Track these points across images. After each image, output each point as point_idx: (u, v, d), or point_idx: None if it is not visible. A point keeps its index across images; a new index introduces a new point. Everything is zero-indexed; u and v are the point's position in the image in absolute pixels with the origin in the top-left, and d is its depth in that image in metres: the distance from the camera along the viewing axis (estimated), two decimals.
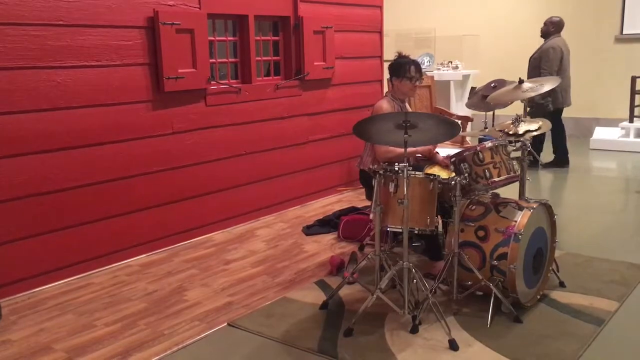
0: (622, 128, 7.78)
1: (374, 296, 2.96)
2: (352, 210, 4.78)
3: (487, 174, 3.19)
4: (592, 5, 8.44)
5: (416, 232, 3.08)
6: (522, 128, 3.34)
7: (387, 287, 3.09)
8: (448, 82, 8.54)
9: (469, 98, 5.93)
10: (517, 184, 3.47)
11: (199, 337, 2.97)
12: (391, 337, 2.91)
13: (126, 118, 3.95)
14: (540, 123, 3.39)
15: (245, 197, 4.81)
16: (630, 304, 3.26)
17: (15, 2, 3.36)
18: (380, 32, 6.04)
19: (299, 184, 5.29)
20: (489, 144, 3.23)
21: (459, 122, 3.15)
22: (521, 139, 3.35)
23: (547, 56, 6.37)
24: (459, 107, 8.31)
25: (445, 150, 3.92)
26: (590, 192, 5.68)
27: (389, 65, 3.87)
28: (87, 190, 3.78)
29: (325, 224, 4.65)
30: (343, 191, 5.69)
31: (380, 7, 6.00)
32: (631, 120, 7.75)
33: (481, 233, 3.16)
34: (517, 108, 5.88)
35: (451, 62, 8.92)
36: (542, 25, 6.68)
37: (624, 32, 8.29)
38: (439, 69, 8.90)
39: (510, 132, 3.34)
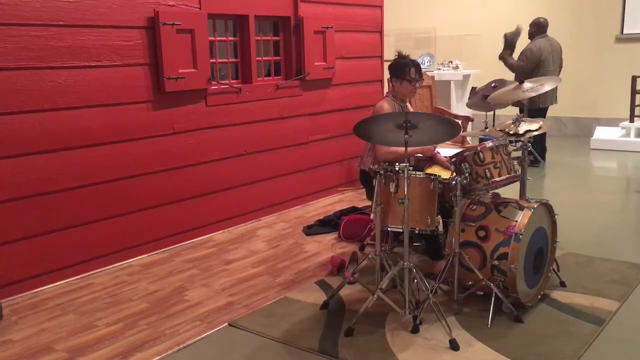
0: (623, 128, 7.78)
1: (375, 296, 2.96)
2: (353, 210, 4.78)
3: (488, 174, 3.19)
4: (593, 5, 8.44)
5: (417, 232, 3.08)
6: (522, 128, 3.34)
7: (387, 287, 3.08)
8: (448, 82, 8.54)
9: (469, 98, 5.92)
10: (517, 184, 3.47)
11: (199, 337, 2.97)
12: (392, 337, 2.91)
13: (127, 118, 3.95)
14: (541, 123, 3.39)
15: (246, 197, 4.81)
16: (630, 303, 3.26)
17: (16, 3, 3.36)
18: (381, 32, 6.04)
19: (299, 184, 5.29)
20: (489, 143, 3.23)
21: (460, 122, 3.15)
22: (522, 139, 3.35)
23: (522, 56, 6.64)
24: (459, 107, 8.30)
25: (446, 150, 3.92)
26: (591, 192, 5.68)
27: (389, 65, 3.87)
28: (88, 190, 3.79)
29: (326, 224, 4.65)
30: (344, 191, 5.70)
31: (381, 7, 6.00)
32: (632, 120, 7.75)
33: (482, 233, 3.16)
34: (515, 108, 5.90)
35: (451, 62, 8.91)
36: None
37: (625, 32, 8.29)
38: (439, 68, 8.89)
39: (511, 132, 3.34)
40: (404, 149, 2.94)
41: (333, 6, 5.40)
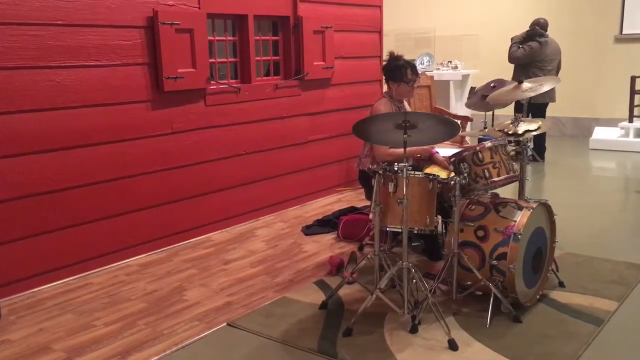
0: (622, 128, 7.79)
1: (374, 296, 2.96)
2: (352, 210, 4.78)
3: (487, 174, 3.19)
4: (592, 5, 8.44)
5: (415, 232, 3.08)
6: (521, 128, 3.34)
7: (386, 287, 3.09)
8: (448, 82, 8.54)
9: (468, 98, 5.94)
10: (516, 184, 3.47)
11: (198, 337, 2.97)
12: (390, 337, 2.91)
13: (125, 118, 3.95)
14: (540, 123, 3.39)
15: (244, 197, 4.81)
16: (629, 303, 3.26)
17: (14, 2, 3.35)
18: (380, 32, 6.04)
19: (298, 184, 5.29)
20: (488, 143, 3.23)
21: (459, 122, 3.15)
22: (521, 139, 3.35)
23: (527, 47, 6.70)
24: (458, 107, 8.31)
25: (444, 150, 3.92)
26: (590, 192, 5.68)
27: (384, 68, 3.85)
28: (86, 190, 3.78)
29: (325, 224, 4.65)
30: (342, 191, 5.69)
31: (380, 7, 6.00)
32: (630, 120, 7.75)
33: (481, 233, 3.16)
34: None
35: (451, 62, 8.92)
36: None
37: (624, 32, 8.29)
38: (438, 68, 8.90)
39: (510, 132, 3.34)
40: (402, 149, 2.93)
41: (332, 6, 5.40)
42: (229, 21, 4.71)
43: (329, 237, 4.45)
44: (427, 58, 9.01)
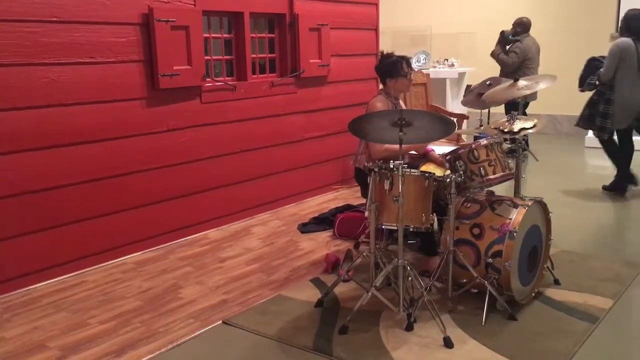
0: None
1: (369, 294, 2.96)
2: (348, 207, 4.77)
3: (482, 172, 3.20)
4: (588, 4, 8.45)
5: (411, 229, 3.08)
6: (517, 126, 3.34)
7: (382, 284, 3.09)
8: (444, 79, 8.52)
9: (464, 96, 5.94)
10: (512, 182, 3.47)
11: (193, 335, 2.96)
12: (386, 334, 2.91)
13: (121, 115, 3.93)
14: (536, 120, 3.39)
15: (240, 195, 4.80)
16: (624, 301, 3.27)
17: None
18: (376, 30, 6.03)
19: (294, 182, 5.28)
20: (484, 141, 3.23)
21: (455, 119, 3.15)
22: (516, 137, 3.35)
23: (512, 52, 6.89)
24: (454, 104, 8.30)
25: (440, 148, 3.92)
26: (586, 190, 5.69)
27: (378, 67, 3.85)
28: (81, 187, 3.77)
29: (321, 222, 4.65)
30: (338, 189, 5.69)
31: (376, 5, 5.99)
32: None
33: (476, 231, 3.16)
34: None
35: (447, 60, 8.90)
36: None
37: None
38: (434, 66, 8.88)
39: (506, 130, 3.34)
40: (398, 146, 2.93)
41: (328, 3, 5.39)
42: (224, 18, 4.69)
43: (324, 235, 4.45)
44: (424, 56, 8.99)
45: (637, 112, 5.16)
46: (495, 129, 3.41)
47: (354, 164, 3.91)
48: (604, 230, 4.50)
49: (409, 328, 2.93)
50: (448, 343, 2.79)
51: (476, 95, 4.53)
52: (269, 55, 5.08)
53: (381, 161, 3.13)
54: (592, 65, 5.54)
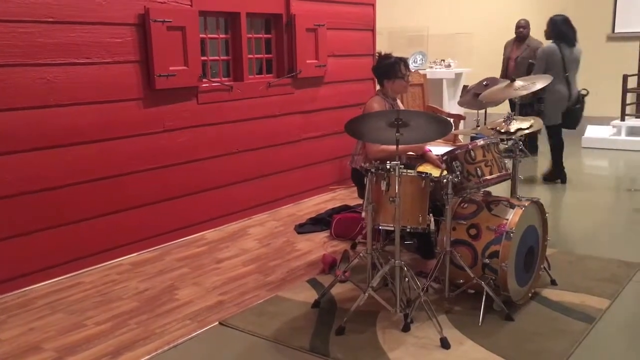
0: (614, 126, 7.82)
1: (366, 294, 2.96)
2: (345, 208, 4.77)
3: (479, 172, 3.20)
4: (584, 3, 8.46)
5: (408, 230, 3.08)
6: (513, 126, 3.34)
7: (379, 285, 3.08)
8: (441, 80, 8.53)
9: (461, 96, 5.94)
10: (508, 182, 3.47)
11: (190, 336, 2.95)
12: (383, 335, 2.91)
13: (117, 116, 3.92)
14: (532, 121, 3.40)
15: (237, 196, 4.80)
16: (621, 301, 3.27)
17: None
18: (373, 30, 6.04)
19: (291, 182, 5.28)
20: (480, 142, 3.23)
21: (451, 120, 3.15)
22: (513, 137, 3.35)
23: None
24: (451, 105, 8.31)
25: (437, 149, 3.92)
26: (582, 190, 5.70)
27: (376, 68, 3.86)
28: (77, 188, 3.76)
29: (318, 222, 4.65)
30: (335, 189, 5.69)
31: (373, 5, 6.00)
32: (622, 119, 7.78)
33: (473, 231, 3.16)
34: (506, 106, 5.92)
35: (444, 61, 8.91)
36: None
37: (616, 31, 8.32)
38: (431, 67, 8.89)
39: (502, 130, 3.34)
40: (395, 147, 2.93)
41: (325, 4, 5.39)
42: (221, 19, 4.69)
43: (321, 236, 4.44)
44: (420, 56, 9.00)
45: (565, 108, 5.74)
46: (492, 129, 3.41)
47: (350, 165, 3.91)
48: (600, 231, 4.51)
49: (406, 329, 2.93)
50: (445, 344, 2.79)
51: (473, 96, 4.53)
52: (266, 55, 5.08)
53: (378, 162, 3.12)
54: (529, 68, 6.32)
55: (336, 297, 3.33)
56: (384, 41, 8.24)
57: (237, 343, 2.91)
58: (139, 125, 4.05)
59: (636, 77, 8.19)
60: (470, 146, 3.22)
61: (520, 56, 6.96)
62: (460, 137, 5.34)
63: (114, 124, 3.91)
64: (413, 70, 6.06)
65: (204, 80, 4.43)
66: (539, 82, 3.67)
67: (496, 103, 4.45)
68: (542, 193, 5.60)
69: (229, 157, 4.70)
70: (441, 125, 2.96)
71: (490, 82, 4.51)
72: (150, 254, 4.12)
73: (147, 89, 4.06)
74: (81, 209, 3.79)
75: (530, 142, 6.94)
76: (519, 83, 3.63)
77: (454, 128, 3.21)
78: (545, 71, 5.57)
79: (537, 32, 7.28)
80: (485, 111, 6.07)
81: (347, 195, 5.44)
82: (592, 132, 7.89)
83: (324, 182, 5.64)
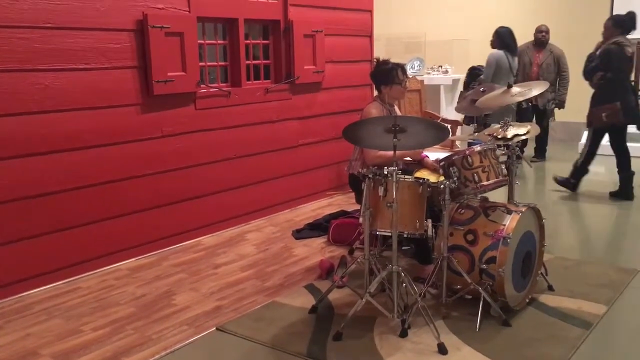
0: None
1: (363, 300, 2.96)
2: (342, 214, 4.78)
3: (476, 178, 3.21)
4: (581, 10, 8.50)
5: (405, 235, 3.08)
6: (510, 132, 3.35)
7: (376, 291, 3.08)
8: (438, 86, 8.57)
9: (458, 102, 5.96)
10: (506, 188, 3.48)
11: (187, 342, 2.95)
12: (380, 341, 2.91)
13: (115, 121, 3.93)
14: (529, 127, 3.41)
15: (235, 201, 4.80)
16: (618, 307, 3.28)
17: (2, 4, 3.33)
18: (371, 37, 6.05)
19: (289, 188, 5.28)
20: (477, 148, 3.24)
21: (449, 126, 3.16)
22: (510, 143, 3.36)
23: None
24: (449, 111, 8.34)
25: (434, 154, 3.93)
26: (579, 196, 5.71)
27: (373, 74, 3.87)
28: (75, 193, 3.76)
29: (315, 228, 4.65)
30: (333, 195, 5.69)
31: (371, 12, 6.02)
32: None
33: (470, 237, 3.17)
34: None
35: (441, 67, 8.95)
36: (534, 31, 7.22)
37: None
38: (429, 73, 8.93)
39: (499, 136, 3.35)
40: (392, 152, 2.94)
41: (323, 10, 5.40)
42: (219, 25, 4.70)
43: (319, 241, 4.44)
44: (418, 62, 9.04)
45: (511, 110, 6.04)
46: (489, 135, 3.42)
47: (348, 170, 3.91)
48: (597, 237, 4.52)
49: (403, 334, 2.93)
50: (442, 349, 2.79)
51: (470, 102, 4.55)
52: (264, 61, 5.09)
53: (375, 167, 3.13)
54: (474, 73, 6.80)
55: (334, 302, 3.33)
56: (382, 47, 8.27)
57: (234, 349, 2.90)
58: (136, 131, 4.05)
59: (632, 83, 8.21)
60: (467, 152, 3.23)
61: (544, 62, 7.10)
62: (458, 143, 5.36)
63: (112, 129, 3.91)
64: (410, 77, 6.08)
65: (202, 85, 4.44)
66: (536, 89, 3.68)
67: (493, 109, 4.47)
68: (539, 198, 5.61)
69: (226, 163, 4.70)
70: (438, 132, 2.97)
71: (487, 88, 4.52)
72: (148, 259, 4.11)
73: (145, 94, 4.07)
74: (79, 215, 3.78)
75: (539, 145, 7.40)
76: (515, 89, 3.64)
77: (450, 134, 3.22)
78: (494, 76, 6.10)
79: (531, 38, 7.34)
80: (483, 117, 6.08)
81: (344, 201, 5.44)
82: None
83: (322, 188, 5.64)
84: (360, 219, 3.10)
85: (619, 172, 5.59)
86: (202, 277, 3.78)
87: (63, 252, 3.72)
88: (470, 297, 3.21)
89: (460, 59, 9.16)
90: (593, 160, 5.70)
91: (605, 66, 5.50)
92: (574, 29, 8.49)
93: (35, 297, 3.51)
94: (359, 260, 3.18)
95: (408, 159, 3.84)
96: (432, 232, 3.70)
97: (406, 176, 3.08)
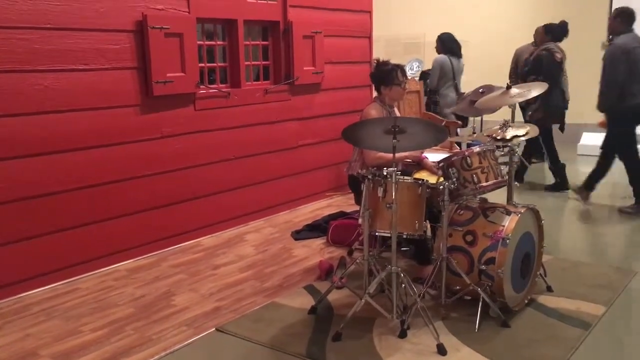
0: None
1: (363, 301, 2.96)
2: (341, 215, 4.78)
3: (475, 179, 3.21)
4: (579, 12, 8.51)
5: (405, 236, 3.09)
6: (509, 133, 3.36)
7: (375, 291, 3.09)
8: None
9: (457, 103, 5.96)
10: (505, 189, 3.49)
11: (186, 343, 2.95)
12: (379, 341, 2.91)
13: (115, 122, 3.93)
14: (528, 128, 3.41)
15: (234, 202, 4.80)
16: (616, 308, 3.28)
17: (1, 5, 3.33)
18: (370, 38, 6.06)
19: (288, 189, 5.28)
20: (477, 149, 3.25)
21: (448, 127, 3.17)
22: (509, 144, 3.37)
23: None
24: (447, 112, 8.33)
25: (433, 155, 3.94)
26: (578, 198, 5.71)
27: (373, 75, 3.88)
28: (74, 194, 3.76)
29: (315, 229, 4.65)
30: (332, 196, 5.69)
31: (370, 13, 6.02)
32: None
33: (469, 238, 3.17)
34: (505, 113, 5.94)
35: None
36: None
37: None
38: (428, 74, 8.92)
39: (498, 137, 3.36)
40: (392, 154, 2.94)
41: (322, 11, 5.41)
42: (218, 26, 4.70)
43: (318, 242, 4.45)
44: (417, 63, 9.05)
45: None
46: (488, 136, 3.42)
47: (347, 171, 3.92)
48: (596, 238, 4.52)
49: (403, 335, 2.93)
50: (441, 350, 2.79)
51: (469, 103, 4.55)
52: (263, 62, 5.09)
53: (375, 168, 3.14)
54: (424, 77, 7.23)
55: (333, 303, 3.33)
56: (381, 48, 8.28)
57: (233, 349, 2.91)
58: (136, 132, 4.06)
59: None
60: (466, 153, 3.24)
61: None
62: (457, 144, 5.36)
63: (111, 130, 3.91)
64: (410, 78, 6.09)
65: (202, 86, 4.44)
66: (535, 90, 3.69)
67: (492, 110, 4.47)
68: (538, 200, 5.62)
69: (226, 164, 4.71)
70: (437, 133, 2.97)
71: (486, 89, 4.52)
72: (147, 260, 4.11)
73: (144, 95, 4.07)
74: (78, 215, 3.78)
75: (546, 146, 7.20)
76: (514, 90, 3.65)
77: (450, 135, 3.22)
78: (439, 79, 6.55)
79: (530, 41, 7.34)
80: (482, 118, 6.10)
81: (343, 202, 5.45)
82: (588, 139, 7.92)
83: (321, 189, 5.65)
84: (360, 220, 3.10)
85: (550, 167, 6.15)
86: (202, 278, 3.78)
87: (62, 253, 3.72)
88: (469, 297, 3.21)
89: None
90: (557, 154, 6.10)
91: (537, 70, 5.92)
92: (573, 29, 8.50)
93: (34, 298, 3.50)
94: (358, 261, 3.18)
95: (407, 160, 3.84)
96: (431, 233, 3.70)
97: (405, 177, 3.09)
